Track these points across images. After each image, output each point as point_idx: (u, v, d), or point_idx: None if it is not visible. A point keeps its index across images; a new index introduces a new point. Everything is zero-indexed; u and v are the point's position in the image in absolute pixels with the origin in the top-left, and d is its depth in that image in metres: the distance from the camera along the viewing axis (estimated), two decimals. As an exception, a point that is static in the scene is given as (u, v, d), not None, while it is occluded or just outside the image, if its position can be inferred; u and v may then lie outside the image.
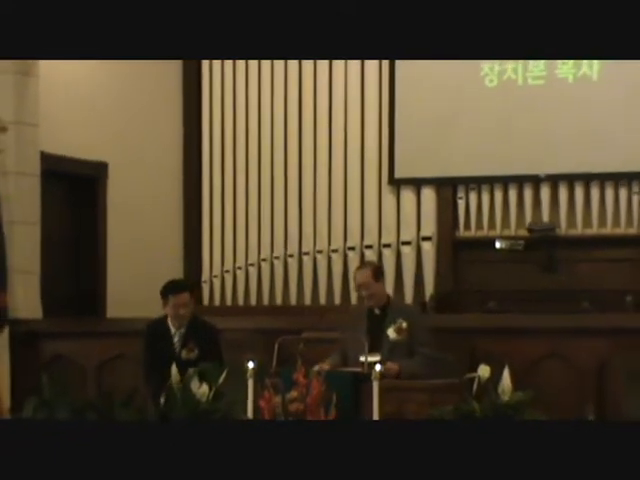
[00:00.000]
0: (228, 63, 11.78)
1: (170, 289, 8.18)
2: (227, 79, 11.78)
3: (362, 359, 7.44)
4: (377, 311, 7.88)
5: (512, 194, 10.83)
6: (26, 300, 9.59)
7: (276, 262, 11.48)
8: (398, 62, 11.01)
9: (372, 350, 7.62)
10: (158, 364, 7.73)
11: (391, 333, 7.68)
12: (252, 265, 11.54)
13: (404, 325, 7.67)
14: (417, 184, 11.02)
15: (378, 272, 8.05)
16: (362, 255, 11.12)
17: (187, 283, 8.59)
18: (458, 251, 11.03)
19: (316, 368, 7.45)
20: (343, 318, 8.36)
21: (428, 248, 10.99)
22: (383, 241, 11.13)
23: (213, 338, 7.87)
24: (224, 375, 7.63)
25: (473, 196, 10.92)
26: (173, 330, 8.03)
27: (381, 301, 7.90)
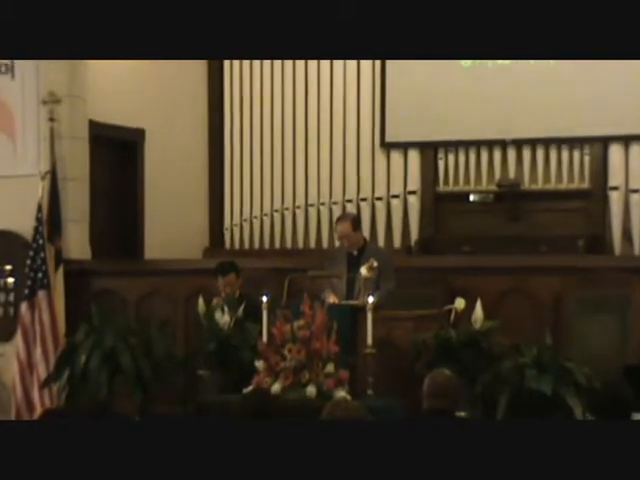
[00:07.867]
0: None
1: (219, 271, 8.17)
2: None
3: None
4: (355, 252, 7.80)
5: (484, 155, 10.76)
6: (78, 244, 9.57)
7: (286, 212, 11.41)
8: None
9: (350, 284, 7.68)
10: None
11: (364, 271, 7.49)
12: (266, 215, 11.45)
13: (374, 264, 7.48)
14: (404, 147, 10.96)
15: (356, 223, 7.99)
16: (358, 207, 11.03)
17: (233, 266, 8.30)
18: (438, 203, 10.97)
19: (330, 300, 7.54)
20: (326, 258, 8.25)
21: (413, 201, 10.94)
22: (376, 195, 11.05)
23: (257, 308, 7.44)
24: (242, 307, 7.73)
25: (451, 157, 10.84)
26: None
27: (358, 245, 7.83)
